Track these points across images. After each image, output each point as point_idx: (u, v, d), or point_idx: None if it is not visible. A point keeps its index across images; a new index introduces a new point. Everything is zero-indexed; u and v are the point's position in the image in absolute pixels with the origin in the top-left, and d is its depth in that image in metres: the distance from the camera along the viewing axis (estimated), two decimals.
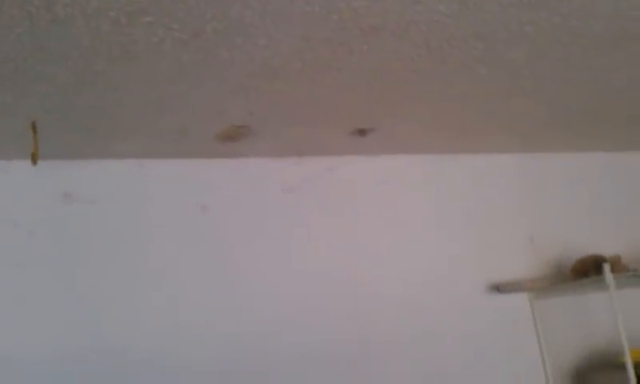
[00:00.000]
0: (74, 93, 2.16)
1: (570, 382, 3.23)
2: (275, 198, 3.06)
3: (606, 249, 3.18)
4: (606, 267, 2.88)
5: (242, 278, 2.90)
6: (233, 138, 2.73)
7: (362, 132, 2.91)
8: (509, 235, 3.37)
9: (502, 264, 3.30)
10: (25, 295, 2.59)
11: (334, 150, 3.11)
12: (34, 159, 2.13)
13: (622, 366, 2.81)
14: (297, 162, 3.12)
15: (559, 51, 2.31)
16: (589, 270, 3.06)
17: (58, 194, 2.72)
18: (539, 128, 3.19)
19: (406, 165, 3.30)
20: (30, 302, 2.59)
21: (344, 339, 2.95)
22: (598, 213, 3.55)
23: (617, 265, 3.02)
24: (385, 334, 3.02)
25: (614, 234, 3.46)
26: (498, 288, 3.23)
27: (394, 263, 3.15)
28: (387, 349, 3.00)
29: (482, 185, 3.42)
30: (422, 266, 3.18)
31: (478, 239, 3.30)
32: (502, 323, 3.21)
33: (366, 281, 3.07)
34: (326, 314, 2.96)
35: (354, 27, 1.98)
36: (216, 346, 2.76)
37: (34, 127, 2.18)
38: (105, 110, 2.32)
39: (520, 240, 3.38)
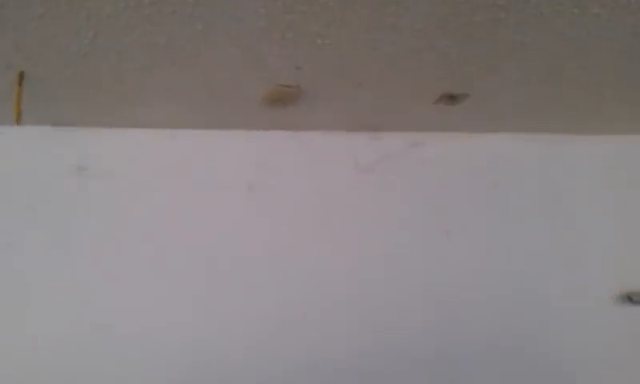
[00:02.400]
0: (60, 32, 1.72)
1: None
2: (346, 179, 2.62)
3: None
4: None
5: (301, 272, 2.50)
6: (281, 102, 2.23)
7: (451, 99, 2.33)
8: None
9: (635, 269, 2.75)
10: (20, 280, 2.32)
11: (417, 124, 2.58)
12: (18, 118, 1.74)
13: None
14: (373, 138, 2.61)
15: None
16: None
17: (70, 167, 2.40)
18: None
19: (509, 145, 2.75)
20: (26, 288, 2.32)
21: (447, 342, 2.55)
22: None
23: None
24: (490, 340, 2.59)
25: None
26: (631, 298, 2.75)
27: (498, 262, 2.69)
28: (494, 352, 2.59)
29: (610, 172, 2.85)
30: (532, 266, 2.72)
31: (606, 237, 2.79)
32: (635, 340, 2.71)
33: (464, 281, 2.64)
34: (413, 316, 2.56)
35: None
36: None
37: (20, 78, 1.77)
38: (107, 59, 1.87)
39: None
